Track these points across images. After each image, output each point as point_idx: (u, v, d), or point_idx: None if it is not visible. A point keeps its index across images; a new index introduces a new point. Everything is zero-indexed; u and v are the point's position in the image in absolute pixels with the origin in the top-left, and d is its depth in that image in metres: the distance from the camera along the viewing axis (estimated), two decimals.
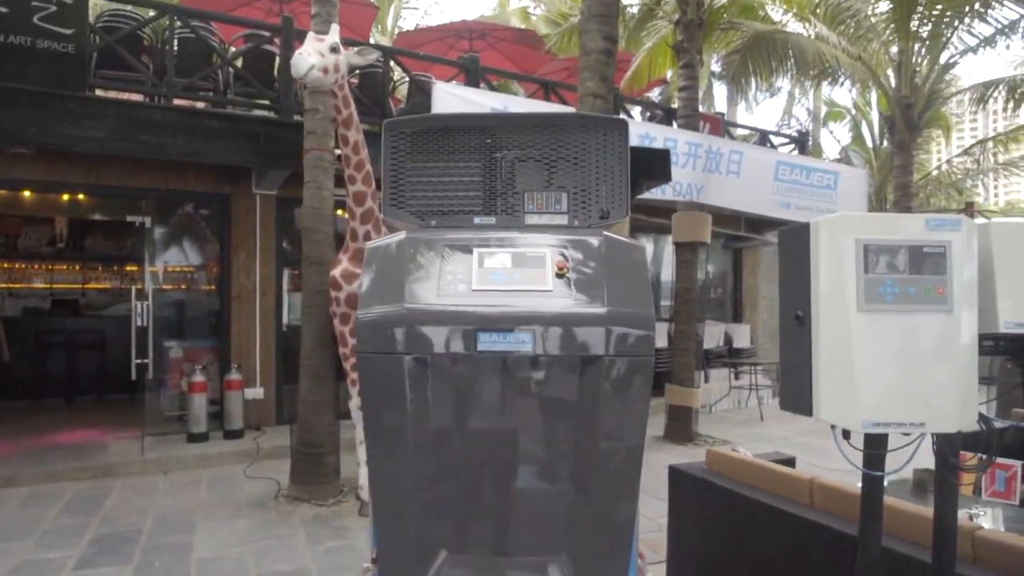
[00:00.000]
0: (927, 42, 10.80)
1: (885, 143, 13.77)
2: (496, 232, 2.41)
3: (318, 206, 6.40)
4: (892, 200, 11.74)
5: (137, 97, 8.31)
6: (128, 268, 12.71)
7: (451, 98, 8.41)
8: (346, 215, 5.95)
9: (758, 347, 13.40)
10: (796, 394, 2.00)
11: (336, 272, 5.95)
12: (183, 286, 9.82)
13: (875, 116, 14.94)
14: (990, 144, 13.22)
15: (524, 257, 2.24)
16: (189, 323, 9.52)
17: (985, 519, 3.69)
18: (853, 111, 16.49)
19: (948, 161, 13.48)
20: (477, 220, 2.53)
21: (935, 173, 14.38)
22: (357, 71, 8.90)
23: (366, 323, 2.07)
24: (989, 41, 10.48)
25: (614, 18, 6.39)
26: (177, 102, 8.09)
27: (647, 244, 12.70)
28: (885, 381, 1.90)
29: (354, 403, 6.16)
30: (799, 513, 3.37)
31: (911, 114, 10.93)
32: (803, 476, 3.51)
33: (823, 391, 1.90)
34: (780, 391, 2.11)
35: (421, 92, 9.22)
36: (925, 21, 10.48)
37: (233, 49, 9.26)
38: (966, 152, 13.55)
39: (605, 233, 2.41)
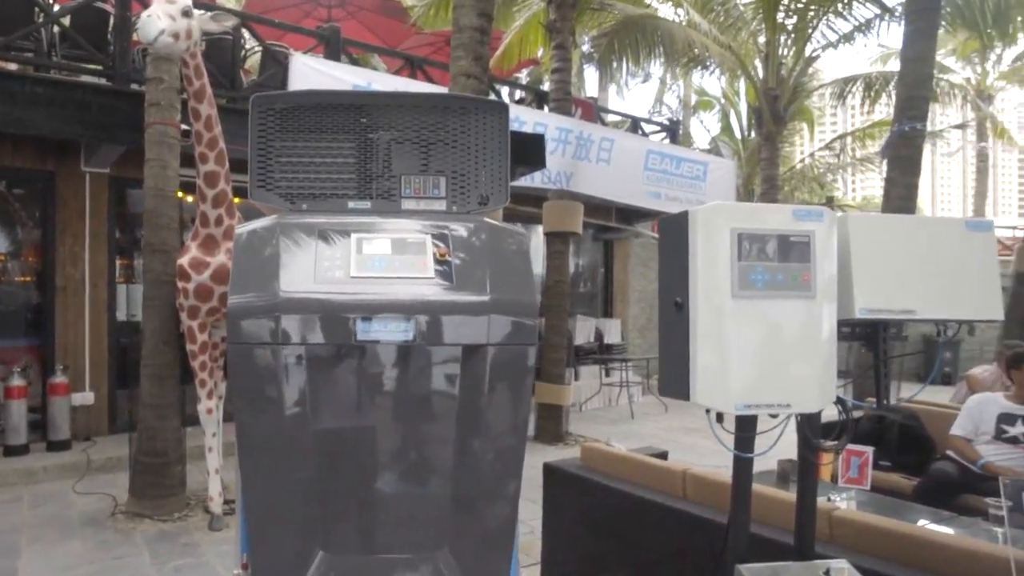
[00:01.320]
0: (792, 34, 11.64)
1: (753, 134, 14.76)
2: (374, 217, 2.47)
3: (162, 187, 6.15)
4: (759, 192, 12.59)
5: None
6: None
7: (310, 72, 8.28)
8: (195, 198, 5.78)
9: (629, 343, 13.96)
10: (675, 380, 2.19)
11: (184, 260, 5.76)
12: None
13: (743, 107, 15.98)
14: (849, 139, 14.41)
15: (404, 243, 2.31)
16: (2, 319, 8.86)
17: (841, 503, 4.10)
18: (722, 101, 17.53)
19: (811, 155, 14.61)
20: (351, 204, 2.58)
21: (799, 166, 15.58)
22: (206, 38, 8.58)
23: (237, 311, 2.09)
24: (848, 37, 11.44)
25: None
26: None
27: None
28: (755, 365, 2.12)
29: (202, 406, 5.99)
30: (673, 504, 3.62)
31: (777, 106, 11.77)
32: (676, 468, 3.77)
33: (700, 375, 2.10)
34: (659, 377, 2.30)
35: (276, 64, 9.00)
36: (790, 13, 11.31)
37: (58, 6, 8.68)
38: (827, 146, 14.73)
39: (486, 219, 2.52)
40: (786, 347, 2.15)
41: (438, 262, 2.28)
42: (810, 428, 2.49)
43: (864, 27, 11.14)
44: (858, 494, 4.64)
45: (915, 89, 7.56)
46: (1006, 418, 5.24)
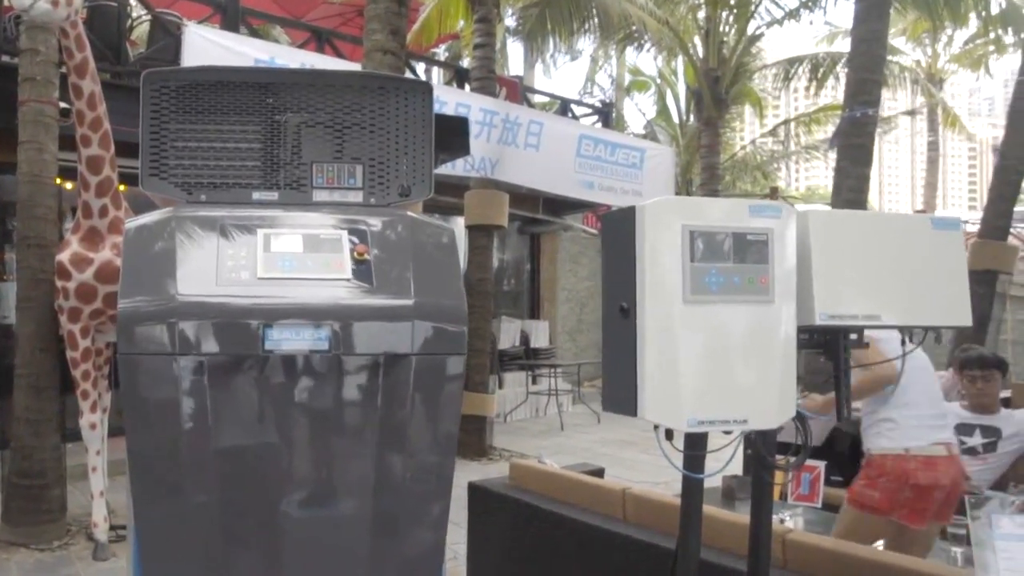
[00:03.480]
0: (735, 10, 11.92)
1: (692, 119, 15.08)
2: (283, 210, 2.42)
3: (38, 173, 5.94)
4: (699, 182, 12.86)
5: None
6: None
7: (206, 44, 8.06)
8: (75, 185, 5.62)
9: (558, 347, 14.02)
10: (620, 393, 2.21)
11: (64, 257, 5.57)
12: None
13: (682, 88, 16.28)
14: (793, 125, 14.86)
15: (317, 240, 2.28)
16: None
17: (791, 523, 4.22)
18: (659, 81, 17.82)
19: (753, 142, 15.03)
20: (256, 196, 2.53)
21: (740, 154, 15.99)
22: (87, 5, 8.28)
23: (129, 316, 2.01)
24: (793, 14, 11.78)
25: None
26: None
27: None
28: (708, 377, 2.16)
29: (85, 420, 5.82)
30: (612, 528, 3.64)
31: (719, 88, 12.03)
32: (615, 487, 3.80)
33: (648, 389, 2.11)
34: (603, 390, 2.31)
35: (167, 34, 8.74)
36: None
37: None
38: (771, 133, 15.16)
39: (409, 213, 2.50)
40: (742, 357, 2.19)
41: (356, 261, 2.26)
42: (765, 445, 2.55)
43: (811, 2, 11.48)
44: (806, 512, 4.79)
45: (867, 72, 7.79)
46: (963, 428, 5.43)
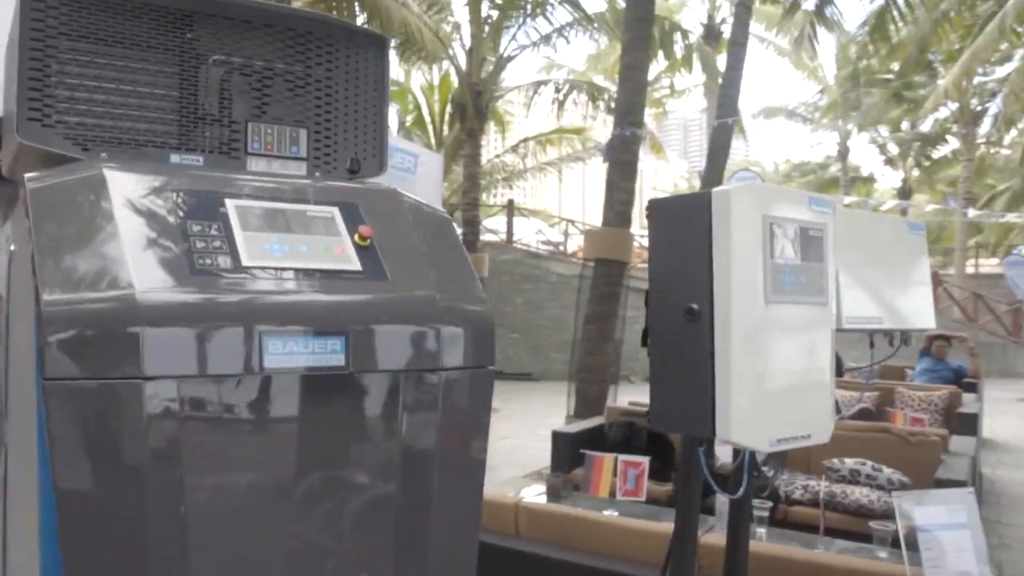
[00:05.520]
0: (496, 31, 11.75)
1: (446, 130, 14.78)
2: (238, 173, 1.69)
3: None
4: (462, 191, 12.59)
5: None
6: None
7: None
8: None
9: None
10: (682, 408, 1.75)
11: None
12: None
13: (436, 99, 15.87)
14: (531, 144, 15.10)
15: (305, 218, 1.58)
16: None
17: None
18: (416, 92, 17.23)
19: (498, 155, 15.07)
20: (176, 158, 1.77)
21: (487, 167, 15.92)
22: None
23: (59, 323, 1.21)
24: (547, 39, 11.87)
25: None
26: None
27: None
28: (786, 389, 1.75)
29: None
30: (504, 544, 3.19)
31: (480, 102, 11.81)
32: (507, 500, 3.32)
33: (733, 404, 1.67)
34: (655, 407, 1.82)
35: None
36: (494, 8, 11.41)
37: None
38: (513, 149, 15.29)
39: (399, 190, 1.87)
40: (807, 365, 1.82)
41: (359, 247, 1.59)
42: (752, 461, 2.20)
43: (563, 30, 11.63)
44: (632, 506, 4.57)
45: (634, 95, 7.92)
46: None
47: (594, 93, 13.63)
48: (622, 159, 7.84)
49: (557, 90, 13.30)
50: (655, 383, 1.81)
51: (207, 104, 1.83)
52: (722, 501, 3.49)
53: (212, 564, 1.36)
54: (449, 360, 1.58)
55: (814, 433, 1.82)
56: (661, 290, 1.79)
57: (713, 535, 2.93)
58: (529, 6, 11.17)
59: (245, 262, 1.43)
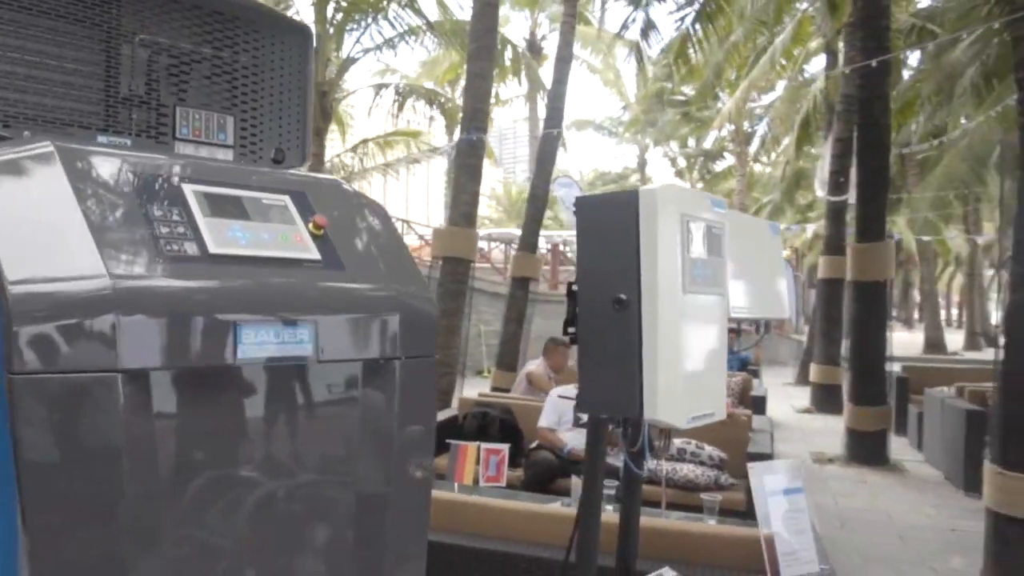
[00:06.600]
0: (346, 31, 11.46)
1: None
2: (197, 160, 1.58)
3: None
4: None
5: None
6: None
7: None
8: None
9: None
10: (612, 393, 1.80)
11: None
12: None
13: None
14: (371, 145, 14.83)
15: (261, 205, 1.51)
16: None
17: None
18: None
19: (338, 156, 14.70)
20: (103, 140, 1.63)
21: (327, 167, 15.44)
22: None
23: (27, 310, 1.08)
24: (389, 43, 11.70)
25: None
26: None
27: None
28: (697, 371, 1.85)
29: None
30: None
31: (326, 102, 11.46)
32: None
33: (661, 386, 1.74)
34: (584, 391, 1.86)
35: None
36: (339, 9, 11.12)
37: None
38: (353, 149, 14.95)
39: (337, 179, 1.81)
40: (711, 349, 1.93)
41: (314, 236, 1.53)
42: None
43: (406, 34, 11.50)
44: (494, 491, 4.63)
45: (479, 102, 7.96)
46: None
47: (432, 98, 13.63)
48: (468, 163, 7.87)
49: (398, 93, 13.19)
50: (584, 369, 1.84)
51: (134, 85, 1.69)
52: (576, 482, 3.63)
53: (188, 560, 1.26)
54: (404, 348, 1.54)
55: (716, 411, 1.93)
56: (589, 281, 1.84)
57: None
58: (372, 10, 10.98)
59: (212, 249, 1.33)
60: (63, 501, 1.11)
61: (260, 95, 1.90)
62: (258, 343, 1.31)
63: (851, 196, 10.68)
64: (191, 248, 1.31)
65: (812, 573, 2.58)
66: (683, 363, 1.78)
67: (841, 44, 12.83)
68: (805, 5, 14.28)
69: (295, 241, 1.48)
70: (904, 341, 20.77)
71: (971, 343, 26.32)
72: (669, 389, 1.74)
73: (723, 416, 1.96)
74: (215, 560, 1.30)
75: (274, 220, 1.49)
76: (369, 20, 11.10)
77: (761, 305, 2.38)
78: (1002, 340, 4.71)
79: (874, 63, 7.57)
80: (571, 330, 1.92)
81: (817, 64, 17.83)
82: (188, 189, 1.40)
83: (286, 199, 1.55)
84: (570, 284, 1.91)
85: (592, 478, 2.13)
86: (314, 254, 1.48)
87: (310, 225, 1.53)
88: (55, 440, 1.10)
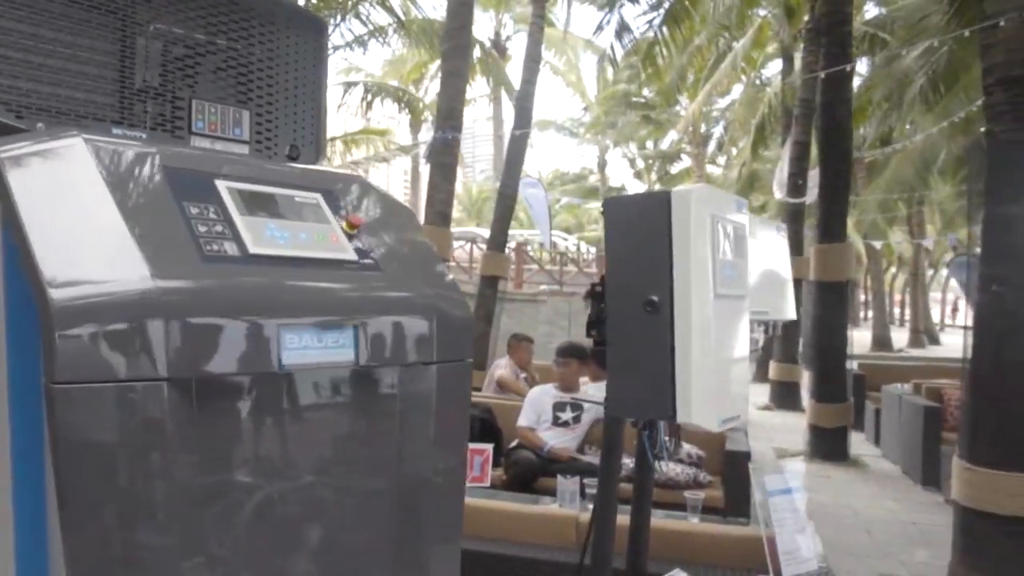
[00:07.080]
0: None
1: None
2: (223, 155, 1.48)
3: None
4: None
5: None
6: None
7: None
8: None
9: None
10: (644, 394, 1.74)
11: None
12: None
13: None
14: (339, 143, 14.63)
15: (294, 203, 1.41)
16: None
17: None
18: None
19: None
20: (118, 132, 1.52)
21: None
22: None
23: (69, 317, 0.98)
24: (359, 40, 11.51)
25: None
26: None
27: None
28: (727, 374, 1.80)
29: None
30: None
31: None
32: None
33: (694, 388, 1.68)
34: (613, 392, 1.79)
35: None
36: (309, 6, 10.90)
37: None
38: None
39: (362, 176, 1.72)
40: (738, 351, 1.88)
41: (347, 234, 1.44)
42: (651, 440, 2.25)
43: (377, 32, 11.32)
44: (478, 491, 4.55)
45: (454, 101, 7.87)
46: (559, 406, 5.69)
47: (400, 96, 13.45)
48: (443, 161, 7.78)
49: (367, 90, 12.99)
50: (614, 372, 1.78)
51: (149, 76, 1.58)
52: (561, 483, 3.57)
53: (232, 571, 1.17)
54: (441, 352, 1.46)
55: (742, 413, 1.89)
56: (618, 283, 1.77)
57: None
58: (341, 9, 10.78)
59: (251, 249, 1.23)
60: (104, 523, 1.01)
61: (275, 89, 1.80)
62: (302, 348, 1.21)
63: (808, 198, 10.84)
64: (231, 248, 1.21)
65: (812, 572, 2.57)
66: (715, 366, 1.72)
67: (799, 50, 12.98)
68: (764, 12, 14.42)
69: (331, 241, 1.39)
70: (853, 339, 21.17)
71: (915, 341, 26.91)
72: (703, 391, 1.68)
73: (745, 420, 1.91)
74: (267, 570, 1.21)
75: (308, 219, 1.39)
76: (339, 18, 10.90)
77: (770, 306, 2.35)
78: (970, 340, 4.76)
79: (847, 68, 7.64)
80: (594, 333, 1.85)
81: (774, 68, 18.02)
82: (222, 185, 1.30)
83: (318, 197, 1.46)
84: (594, 285, 1.85)
85: (607, 480, 2.08)
86: (351, 255, 1.39)
87: (344, 224, 1.44)
88: (98, 454, 1.00)
